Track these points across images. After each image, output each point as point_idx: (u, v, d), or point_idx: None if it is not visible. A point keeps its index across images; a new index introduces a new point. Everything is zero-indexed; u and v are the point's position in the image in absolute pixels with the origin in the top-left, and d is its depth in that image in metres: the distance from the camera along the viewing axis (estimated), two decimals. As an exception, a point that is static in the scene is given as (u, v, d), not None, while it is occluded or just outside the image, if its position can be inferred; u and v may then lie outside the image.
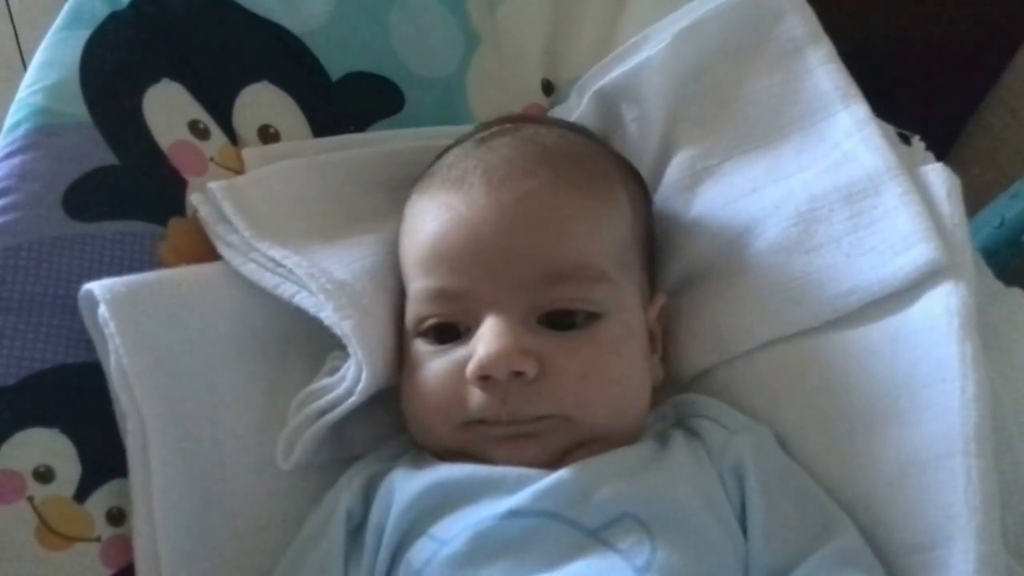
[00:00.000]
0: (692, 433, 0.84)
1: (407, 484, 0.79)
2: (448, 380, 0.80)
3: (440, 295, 0.82)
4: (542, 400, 0.78)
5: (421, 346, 0.84)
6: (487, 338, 0.78)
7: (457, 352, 0.81)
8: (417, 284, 0.85)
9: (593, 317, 0.81)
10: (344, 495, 0.81)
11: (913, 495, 0.75)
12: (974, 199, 0.90)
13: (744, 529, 0.77)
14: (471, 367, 0.78)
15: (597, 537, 0.73)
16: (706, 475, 0.79)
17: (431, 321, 0.83)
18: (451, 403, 0.80)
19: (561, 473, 0.75)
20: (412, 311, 0.85)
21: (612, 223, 0.86)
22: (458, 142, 0.93)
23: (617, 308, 0.83)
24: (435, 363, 0.82)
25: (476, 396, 0.79)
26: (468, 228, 0.81)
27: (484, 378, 0.78)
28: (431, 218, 0.85)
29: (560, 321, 0.81)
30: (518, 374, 0.78)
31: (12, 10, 1.75)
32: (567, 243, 0.81)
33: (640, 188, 0.95)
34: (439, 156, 0.93)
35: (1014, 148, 1.32)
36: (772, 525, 0.76)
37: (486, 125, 0.95)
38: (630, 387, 0.84)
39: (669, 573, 0.70)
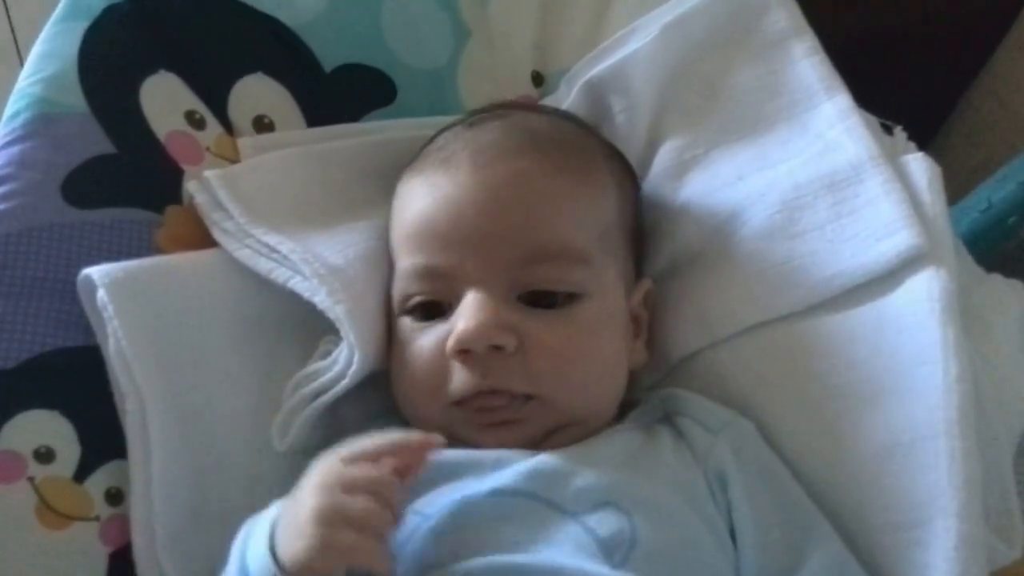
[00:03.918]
0: (677, 432, 0.85)
1: None
2: (432, 357, 0.81)
3: (425, 273, 0.83)
4: (521, 375, 0.79)
5: (407, 323, 0.85)
6: (466, 313, 0.79)
7: (440, 328, 0.82)
8: (404, 262, 0.86)
9: (573, 298, 0.82)
10: None
11: (897, 475, 0.76)
12: (960, 184, 0.91)
13: (731, 532, 0.77)
14: (451, 341, 0.79)
15: (578, 521, 0.73)
16: (691, 476, 0.80)
17: (417, 299, 0.84)
18: (436, 380, 0.81)
19: (545, 457, 0.76)
20: (398, 288, 0.86)
21: (597, 207, 0.87)
22: (450, 126, 0.94)
23: (598, 290, 0.83)
24: (420, 340, 0.83)
25: (458, 372, 0.80)
26: (453, 207, 0.83)
27: (464, 352, 0.79)
28: (418, 196, 0.86)
29: (540, 300, 0.81)
30: (497, 348, 0.78)
31: (8, 2, 1.75)
32: (550, 224, 0.82)
33: (628, 175, 0.96)
34: (431, 139, 0.94)
35: (1000, 134, 1.33)
36: (759, 534, 0.76)
37: (478, 111, 0.96)
38: (606, 368, 0.84)
39: (647, 561, 0.71)
